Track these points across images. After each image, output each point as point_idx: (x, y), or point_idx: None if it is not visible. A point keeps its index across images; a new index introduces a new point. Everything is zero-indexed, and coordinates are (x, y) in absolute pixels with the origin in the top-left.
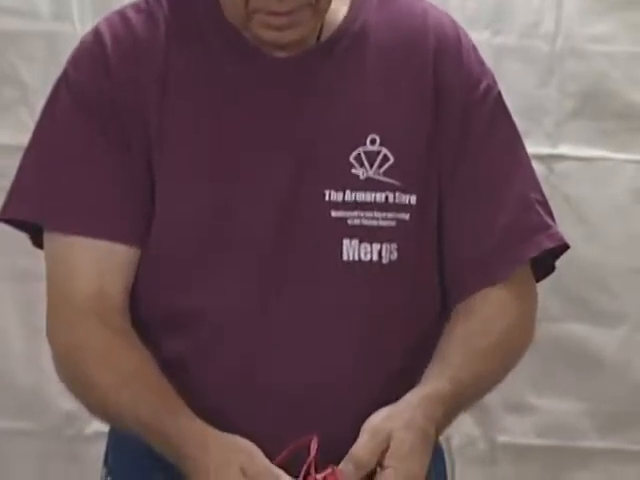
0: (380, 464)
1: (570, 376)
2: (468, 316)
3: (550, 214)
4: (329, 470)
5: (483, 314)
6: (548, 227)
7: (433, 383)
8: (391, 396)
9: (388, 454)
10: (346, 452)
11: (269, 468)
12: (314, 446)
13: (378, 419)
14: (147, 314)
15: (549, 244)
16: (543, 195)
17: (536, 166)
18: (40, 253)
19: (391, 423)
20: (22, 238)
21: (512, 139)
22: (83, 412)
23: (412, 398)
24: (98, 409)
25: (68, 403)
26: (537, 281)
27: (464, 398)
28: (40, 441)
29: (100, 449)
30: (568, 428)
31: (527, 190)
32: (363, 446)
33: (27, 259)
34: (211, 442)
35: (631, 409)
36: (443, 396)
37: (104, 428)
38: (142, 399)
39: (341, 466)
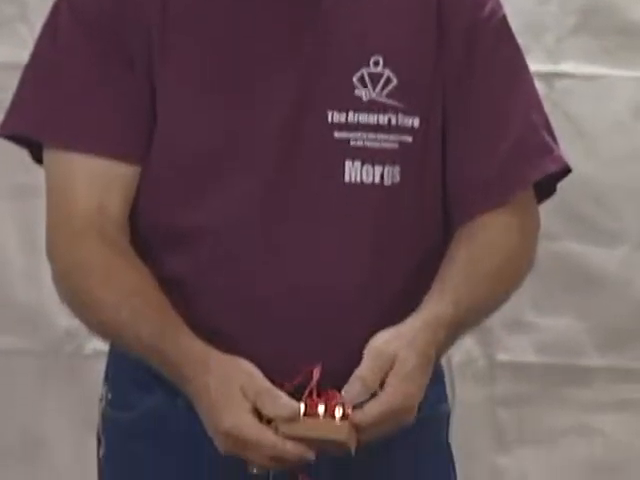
0: (381, 384)
1: (570, 294)
2: (470, 239)
3: (553, 136)
4: (329, 393)
5: (485, 238)
6: (551, 150)
7: (435, 307)
8: (393, 318)
9: (391, 374)
10: (345, 372)
11: (269, 389)
12: (317, 372)
13: (381, 341)
14: (148, 233)
15: (552, 167)
16: (546, 118)
17: (537, 83)
18: (39, 169)
19: (394, 344)
20: (20, 154)
21: (517, 62)
22: (82, 330)
23: (414, 321)
24: (98, 328)
25: (67, 320)
26: (538, 203)
27: (465, 321)
28: (39, 358)
29: (100, 367)
30: (568, 346)
31: (531, 113)
32: (367, 367)
33: (25, 176)
34: (212, 362)
35: (631, 327)
36: (444, 320)
37: (103, 346)
38: (142, 317)
39: (346, 388)
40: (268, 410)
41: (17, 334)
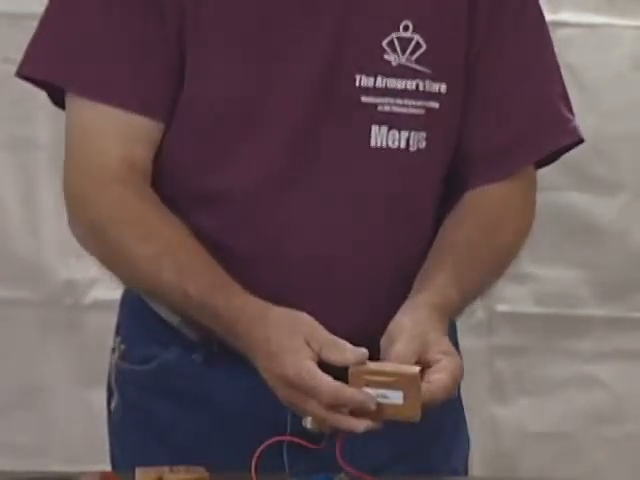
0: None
1: (569, 245)
2: (476, 213)
3: (569, 105)
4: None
5: (492, 215)
6: (565, 122)
7: (445, 293)
8: (408, 283)
9: (440, 352)
10: (362, 337)
11: (334, 339)
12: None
13: (409, 325)
14: (177, 193)
15: (564, 141)
16: (564, 86)
17: None
18: (38, 122)
19: (425, 329)
20: (21, 106)
21: (540, 26)
22: (82, 280)
23: (429, 311)
24: (134, 282)
25: (66, 272)
26: (541, 167)
27: (465, 306)
28: (39, 310)
29: (99, 318)
30: (567, 296)
31: (550, 83)
32: (403, 349)
33: (25, 128)
34: (271, 315)
35: (629, 276)
36: (452, 308)
37: (103, 296)
38: (188, 273)
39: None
40: (335, 358)
41: (17, 285)
